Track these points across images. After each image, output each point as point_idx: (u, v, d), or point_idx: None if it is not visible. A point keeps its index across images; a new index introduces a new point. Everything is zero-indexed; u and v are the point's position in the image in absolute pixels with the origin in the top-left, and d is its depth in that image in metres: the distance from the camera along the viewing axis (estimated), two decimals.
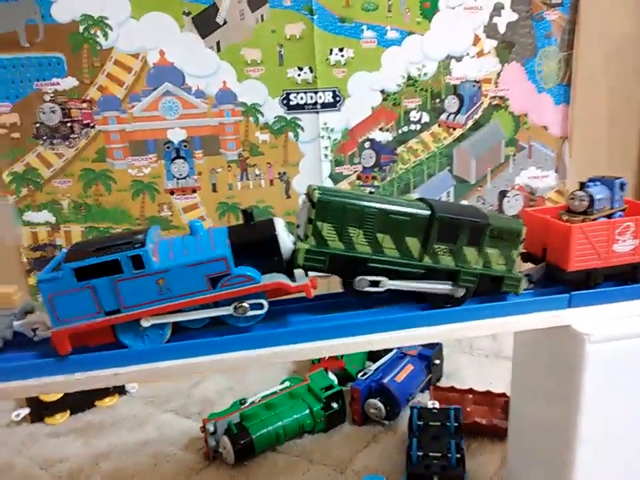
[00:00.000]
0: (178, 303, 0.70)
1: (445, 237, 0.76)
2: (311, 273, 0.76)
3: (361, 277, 0.75)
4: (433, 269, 0.77)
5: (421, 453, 1.11)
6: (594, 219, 0.82)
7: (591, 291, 0.82)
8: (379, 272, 0.75)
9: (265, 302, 0.72)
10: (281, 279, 0.72)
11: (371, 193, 0.75)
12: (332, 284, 0.81)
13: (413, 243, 0.76)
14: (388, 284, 0.76)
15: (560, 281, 0.83)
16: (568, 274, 0.81)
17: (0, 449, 1.35)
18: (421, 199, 0.80)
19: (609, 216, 0.84)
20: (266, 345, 0.74)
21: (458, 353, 1.68)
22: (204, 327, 0.74)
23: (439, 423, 1.20)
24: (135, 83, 1.51)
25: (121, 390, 1.56)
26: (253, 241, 0.73)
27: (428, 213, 0.75)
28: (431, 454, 1.10)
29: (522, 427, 1.01)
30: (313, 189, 0.72)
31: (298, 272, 0.75)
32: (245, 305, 0.72)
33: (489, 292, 0.80)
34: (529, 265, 0.89)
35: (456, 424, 1.19)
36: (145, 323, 0.70)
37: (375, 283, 0.75)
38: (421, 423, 1.21)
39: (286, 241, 0.73)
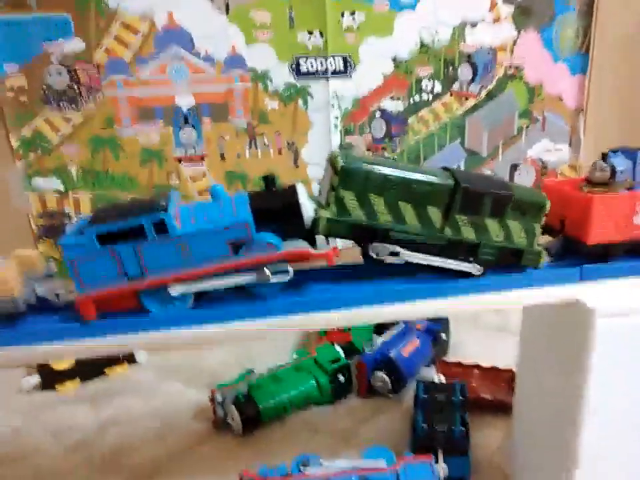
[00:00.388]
0: (200, 269, 0.69)
1: (468, 208, 0.74)
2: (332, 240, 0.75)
3: (377, 244, 0.73)
4: (454, 240, 0.76)
5: (425, 426, 1.12)
6: (615, 190, 0.80)
7: (602, 265, 0.80)
8: (400, 242, 0.74)
9: (289, 269, 0.71)
10: (303, 245, 0.72)
11: (393, 159, 0.73)
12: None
13: (435, 214, 0.75)
14: (406, 255, 0.75)
15: (579, 254, 0.81)
16: (587, 247, 0.79)
17: (10, 416, 1.37)
18: (444, 168, 0.78)
19: (630, 188, 0.82)
20: (289, 313, 0.73)
21: (464, 327, 1.68)
22: (226, 293, 0.73)
23: (444, 397, 1.20)
24: (142, 46, 1.47)
25: (131, 359, 1.57)
26: (274, 207, 0.72)
27: (451, 183, 0.74)
28: (435, 427, 1.11)
29: (527, 401, 1.01)
30: (336, 155, 0.70)
31: (320, 239, 0.75)
32: (267, 271, 0.71)
33: (509, 265, 0.79)
34: (546, 238, 0.87)
35: (461, 398, 1.20)
36: (173, 292, 0.70)
37: (394, 254, 0.74)
38: (426, 396, 1.21)
39: (307, 208, 0.72)
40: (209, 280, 0.71)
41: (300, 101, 1.59)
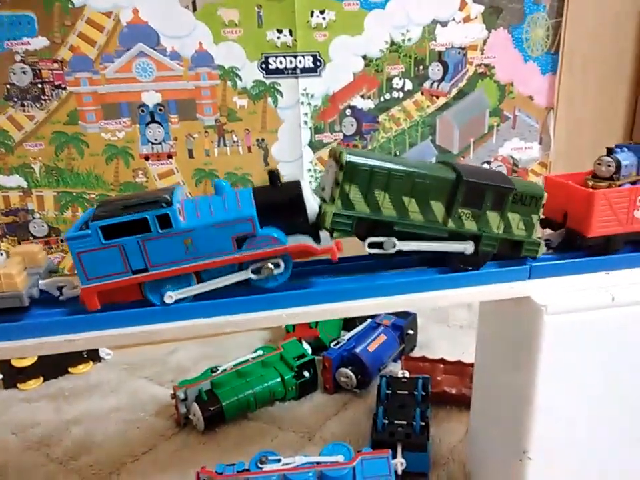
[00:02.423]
0: (204, 263, 0.70)
1: (470, 201, 0.76)
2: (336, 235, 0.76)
3: (381, 238, 0.74)
4: (456, 232, 0.77)
5: (386, 421, 1.12)
6: (620, 185, 0.82)
7: (551, 262, 0.81)
8: (404, 236, 0.75)
9: (290, 263, 0.72)
10: (306, 240, 0.72)
11: (395, 154, 0.76)
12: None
13: (438, 207, 0.76)
14: (403, 245, 0.75)
15: (580, 247, 0.83)
16: (588, 239, 0.81)
17: None
18: (444, 162, 0.80)
19: (635, 182, 0.84)
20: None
21: (433, 323, 1.68)
22: (228, 286, 0.74)
23: (406, 392, 1.21)
24: (107, 42, 1.46)
25: (95, 356, 1.56)
26: (278, 202, 0.72)
27: (454, 176, 0.75)
28: (396, 422, 1.12)
29: (484, 395, 1.02)
30: (340, 151, 0.71)
31: (323, 234, 0.75)
32: (270, 265, 0.72)
33: (508, 256, 0.81)
34: (548, 231, 0.89)
35: (423, 393, 1.20)
36: (169, 300, 0.71)
37: (380, 245, 0.75)
38: (389, 391, 1.22)
39: (311, 203, 0.72)
40: (210, 280, 0.72)
41: (269, 99, 1.59)
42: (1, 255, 0.73)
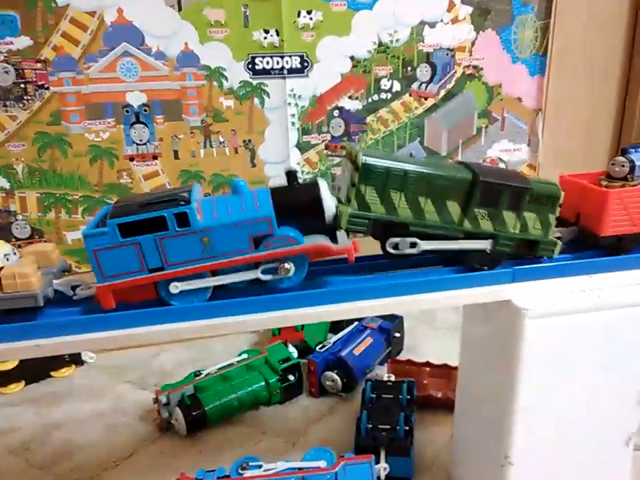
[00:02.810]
0: (221, 262, 0.69)
1: (486, 201, 0.76)
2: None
3: (397, 238, 0.74)
4: (472, 233, 0.77)
5: (370, 425, 1.11)
6: (634, 185, 0.82)
7: (535, 266, 0.80)
8: (420, 236, 0.75)
9: (306, 263, 0.72)
10: (324, 241, 0.72)
11: (410, 155, 0.77)
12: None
13: (454, 207, 0.76)
14: (423, 244, 0.75)
15: (593, 246, 0.83)
16: (601, 239, 0.81)
17: None
18: (460, 162, 0.80)
19: None
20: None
21: (421, 325, 1.67)
22: (244, 287, 0.74)
23: (391, 396, 1.20)
24: (91, 42, 1.44)
25: (77, 360, 1.54)
26: (296, 203, 0.72)
27: (470, 176, 0.75)
28: (379, 426, 1.10)
29: (468, 399, 1.01)
30: (357, 151, 0.71)
31: (340, 234, 0.75)
32: (287, 265, 0.71)
33: (525, 256, 0.80)
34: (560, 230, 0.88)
35: (408, 397, 1.19)
36: (174, 290, 0.70)
37: (412, 246, 0.75)
38: (374, 395, 1.20)
39: (329, 203, 0.72)
40: (227, 275, 0.71)
41: (256, 100, 1.58)
42: (14, 254, 0.72)
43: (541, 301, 0.77)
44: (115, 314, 0.70)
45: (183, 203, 0.67)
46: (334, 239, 0.74)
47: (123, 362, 1.54)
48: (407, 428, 1.10)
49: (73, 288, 0.75)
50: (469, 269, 0.78)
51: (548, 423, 0.84)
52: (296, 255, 0.71)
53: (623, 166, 0.83)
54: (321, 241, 0.71)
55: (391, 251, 0.75)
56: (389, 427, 1.10)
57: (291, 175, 0.73)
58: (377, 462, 1.04)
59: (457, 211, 0.76)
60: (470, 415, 1.00)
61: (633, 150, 0.85)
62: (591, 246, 0.83)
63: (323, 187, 0.72)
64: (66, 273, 0.77)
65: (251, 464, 1.00)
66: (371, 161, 0.71)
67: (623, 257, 0.82)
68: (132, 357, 1.55)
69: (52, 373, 1.50)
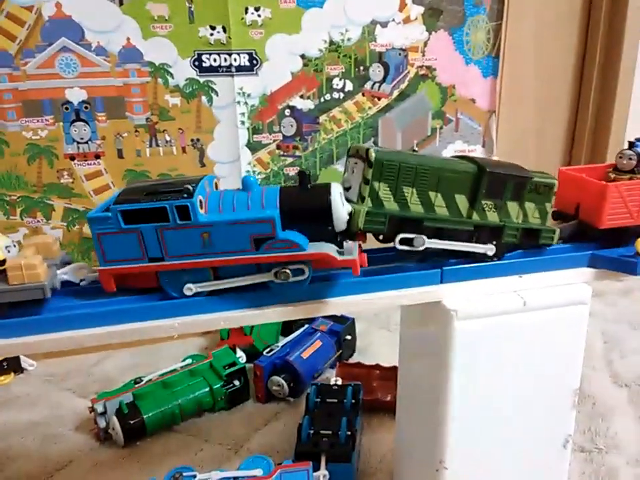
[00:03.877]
0: (219, 260, 0.68)
1: (493, 192, 0.76)
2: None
3: (412, 235, 0.73)
4: (480, 225, 0.77)
5: (312, 431, 1.08)
6: None
7: (464, 266, 0.78)
8: (432, 231, 0.75)
9: (309, 270, 0.70)
10: (328, 249, 0.69)
11: (414, 151, 0.76)
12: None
13: (461, 200, 0.76)
14: (428, 242, 0.74)
15: (591, 239, 0.84)
16: (599, 231, 0.81)
17: None
18: (461, 156, 0.81)
19: None
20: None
21: (374, 328, 1.66)
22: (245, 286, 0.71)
23: (335, 400, 1.17)
24: (28, 37, 1.38)
25: (17, 367, 1.47)
26: (304, 206, 0.69)
27: (476, 169, 0.75)
28: (321, 432, 1.07)
29: (406, 401, 0.99)
30: (367, 148, 0.70)
31: (347, 245, 0.72)
32: (288, 271, 0.69)
33: (527, 246, 0.81)
34: (558, 223, 0.89)
35: (353, 401, 1.17)
36: (188, 292, 0.69)
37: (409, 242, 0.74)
38: (318, 400, 1.18)
39: (340, 209, 0.69)
40: (226, 278, 0.70)
41: (204, 98, 1.54)
42: (14, 246, 0.70)
43: (470, 302, 0.76)
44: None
45: (186, 195, 0.65)
46: (342, 249, 0.72)
47: (64, 369, 1.48)
48: (349, 433, 1.07)
49: (82, 279, 0.75)
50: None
51: (482, 427, 0.82)
52: (299, 261, 0.69)
53: (631, 159, 0.84)
54: (326, 249, 0.69)
55: (402, 247, 0.74)
56: (330, 432, 1.07)
57: (303, 175, 0.70)
58: (318, 469, 1.02)
59: (465, 204, 0.76)
60: (409, 419, 0.98)
61: None
62: (589, 238, 0.84)
63: (336, 191, 0.69)
64: (67, 265, 0.75)
65: (185, 474, 0.96)
66: (383, 156, 0.70)
67: (553, 257, 0.81)
68: (74, 363, 1.49)
69: None
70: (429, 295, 0.77)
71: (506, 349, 0.78)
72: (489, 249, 0.78)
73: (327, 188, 0.69)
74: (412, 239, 0.73)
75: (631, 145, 0.86)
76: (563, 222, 0.88)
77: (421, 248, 0.74)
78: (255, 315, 0.72)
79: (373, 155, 0.69)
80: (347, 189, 0.75)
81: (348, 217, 0.70)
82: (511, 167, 0.79)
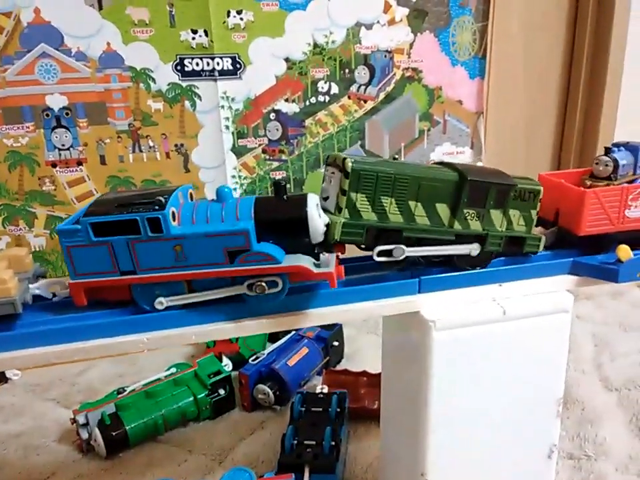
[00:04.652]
0: (193, 273, 0.66)
1: (475, 201, 0.75)
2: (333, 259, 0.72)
3: (391, 246, 0.72)
4: (462, 234, 0.75)
5: (295, 442, 1.06)
6: (618, 184, 0.81)
7: (441, 275, 0.77)
8: (410, 241, 0.73)
9: (286, 283, 0.68)
10: (304, 262, 0.67)
11: (394, 159, 0.75)
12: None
13: (443, 210, 0.74)
14: (408, 251, 0.73)
15: (571, 245, 0.83)
16: (579, 238, 0.80)
17: None
18: (441, 163, 0.79)
19: (632, 182, 0.84)
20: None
21: (363, 333, 1.64)
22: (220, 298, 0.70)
23: (321, 409, 1.15)
24: (7, 44, 1.36)
25: (1, 377, 1.45)
26: (280, 218, 0.68)
27: (457, 177, 0.74)
28: (305, 442, 1.06)
29: (389, 411, 0.97)
30: (343, 157, 0.68)
31: (324, 257, 0.71)
32: (263, 284, 0.67)
33: (511, 254, 0.80)
34: (540, 230, 0.88)
35: (338, 409, 1.15)
36: (159, 306, 0.68)
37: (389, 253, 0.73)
38: (303, 409, 1.16)
39: (316, 221, 0.67)
40: (201, 290, 0.69)
41: (187, 102, 1.52)
42: None
43: (449, 312, 0.74)
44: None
45: (157, 207, 0.64)
46: (318, 261, 0.70)
47: (48, 378, 1.46)
48: (333, 443, 1.06)
49: (54, 293, 0.73)
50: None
51: (464, 438, 0.81)
52: (274, 274, 0.67)
53: (607, 165, 0.83)
54: (302, 262, 0.67)
55: (381, 259, 0.72)
56: (314, 442, 1.06)
57: (279, 186, 0.68)
58: None
59: (447, 213, 0.75)
60: (392, 428, 0.97)
61: (616, 149, 0.85)
62: (570, 245, 0.83)
63: (312, 203, 0.67)
64: (41, 279, 0.74)
65: None
66: (359, 166, 0.68)
67: (533, 265, 0.80)
68: (58, 372, 1.47)
69: None
70: (407, 305, 0.75)
71: (486, 359, 0.77)
72: (473, 249, 0.77)
73: (303, 199, 0.68)
74: (391, 250, 0.72)
75: (607, 151, 0.84)
76: (543, 228, 0.86)
77: (401, 257, 0.73)
78: (230, 328, 0.71)
79: (349, 164, 0.68)
80: (324, 199, 0.73)
81: (325, 229, 0.69)
82: (493, 174, 0.78)
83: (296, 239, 0.68)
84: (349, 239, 0.70)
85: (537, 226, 0.84)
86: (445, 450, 0.81)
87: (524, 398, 0.82)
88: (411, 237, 0.73)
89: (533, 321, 0.77)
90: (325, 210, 0.71)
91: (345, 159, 0.69)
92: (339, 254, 0.74)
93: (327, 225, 0.69)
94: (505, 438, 0.84)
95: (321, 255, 0.71)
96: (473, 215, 0.76)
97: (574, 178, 0.86)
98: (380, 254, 0.72)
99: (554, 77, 1.92)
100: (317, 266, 0.69)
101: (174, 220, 0.65)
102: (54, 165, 1.46)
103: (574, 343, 0.82)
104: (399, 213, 0.72)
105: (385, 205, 0.71)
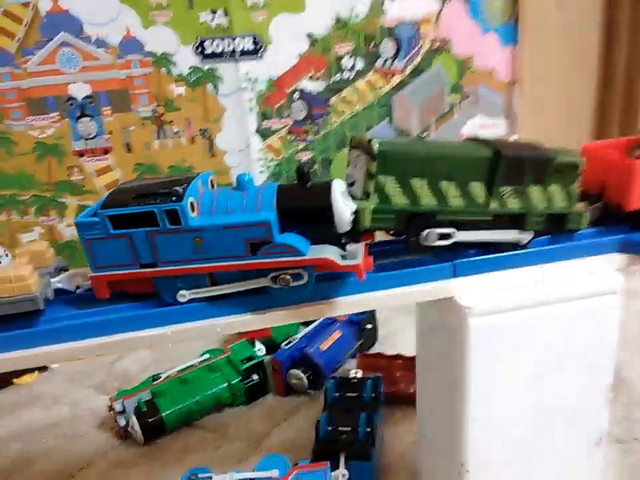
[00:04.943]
0: (214, 266, 0.64)
1: (511, 177, 0.69)
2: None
3: (428, 231, 0.68)
4: (499, 214, 0.71)
5: (330, 428, 1.05)
6: None
7: (478, 258, 0.72)
8: (447, 224, 0.69)
9: (311, 276, 0.65)
10: (330, 254, 0.64)
11: (420, 137, 0.71)
12: None
13: (478, 189, 0.69)
14: (458, 235, 0.70)
15: (618, 221, 0.77)
16: (628, 213, 0.75)
17: None
18: (473, 139, 0.74)
19: None
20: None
21: (397, 315, 1.61)
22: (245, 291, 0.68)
23: (355, 394, 1.13)
24: (27, 35, 1.36)
25: (41, 366, 1.49)
26: (303, 207, 0.64)
27: (491, 153, 0.68)
28: (340, 428, 1.04)
29: (425, 397, 0.94)
30: (369, 139, 0.64)
31: (351, 248, 0.67)
32: (287, 276, 0.64)
33: (553, 232, 0.75)
34: (583, 205, 0.81)
35: (372, 394, 1.13)
36: (182, 299, 0.66)
37: (443, 237, 0.69)
38: (337, 394, 1.14)
39: (342, 209, 0.63)
40: (224, 283, 0.66)
41: (209, 85, 1.49)
42: (6, 256, 0.68)
43: (486, 297, 0.70)
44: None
45: (175, 198, 0.61)
46: (345, 251, 0.67)
47: (85, 367, 1.48)
48: (369, 429, 1.03)
49: (78, 286, 0.72)
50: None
51: (505, 428, 0.77)
52: (299, 266, 0.64)
53: None
54: (327, 253, 0.63)
55: (423, 243, 0.68)
56: (349, 429, 1.04)
57: (302, 173, 0.64)
58: (336, 467, 0.99)
59: (482, 192, 0.70)
60: (429, 415, 0.94)
61: None
62: (616, 220, 0.77)
63: (337, 190, 0.64)
64: (63, 272, 0.73)
65: (200, 475, 0.94)
66: (386, 147, 0.64)
67: (577, 244, 0.75)
68: (95, 360, 1.49)
69: (14, 380, 1.45)
70: (441, 290, 0.71)
71: (528, 346, 0.73)
72: (524, 237, 0.72)
73: (327, 186, 0.64)
74: (448, 234, 0.68)
75: None
76: (587, 203, 0.81)
77: (446, 243, 0.69)
78: (255, 319, 0.68)
79: (375, 146, 0.63)
80: (350, 184, 0.69)
81: (352, 217, 0.65)
82: (530, 148, 0.72)
83: (321, 229, 0.65)
84: (378, 226, 0.67)
85: (581, 201, 0.78)
86: (486, 440, 0.77)
87: (570, 386, 0.77)
88: (444, 221, 0.69)
89: (579, 304, 0.72)
90: (352, 196, 0.67)
91: (370, 140, 0.64)
92: (368, 242, 0.70)
93: (355, 213, 0.65)
94: (550, 428, 0.79)
95: (348, 245, 0.67)
96: (510, 193, 0.70)
97: (621, 147, 0.80)
98: (432, 238, 0.68)
99: (592, 41, 1.81)
100: (344, 257, 0.65)
101: (193, 211, 0.63)
102: (81, 155, 1.46)
103: (619, 320, 0.76)
104: (431, 194, 0.68)
105: (415, 187, 0.67)
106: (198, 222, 0.63)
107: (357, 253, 0.65)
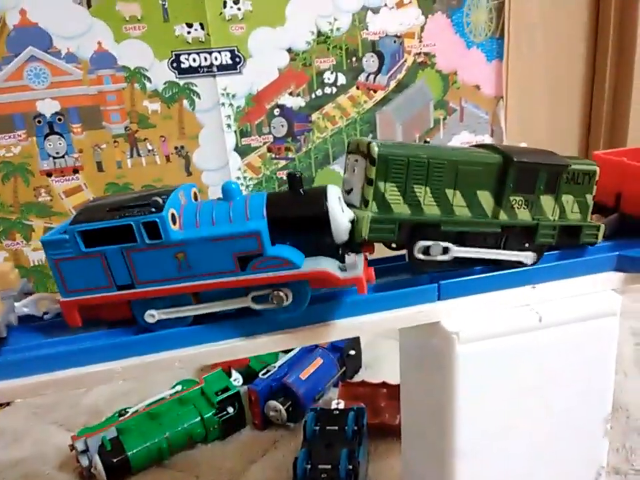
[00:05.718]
0: (199, 284, 0.57)
1: (522, 186, 0.65)
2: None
3: (427, 242, 0.62)
4: (509, 225, 0.65)
5: (309, 466, 0.96)
6: None
7: (464, 279, 0.66)
8: (452, 236, 0.64)
9: (307, 292, 0.59)
10: (327, 266, 0.57)
11: (425, 142, 0.64)
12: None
13: (485, 198, 0.64)
14: (456, 251, 0.64)
15: (636, 232, 0.72)
16: None
17: None
18: (481, 145, 0.69)
19: None
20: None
21: (381, 338, 1.53)
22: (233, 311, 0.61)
23: (336, 428, 1.05)
24: None
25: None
26: (296, 215, 0.58)
27: (501, 159, 0.63)
28: (319, 466, 0.96)
29: (411, 431, 0.87)
30: (368, 142, 0.59)
31: (350, 259, 0.61)
32: (281, 294, 0.58)
33: (566, 245, 0.70)
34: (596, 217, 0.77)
35: (355, 427, 1.05)
36: (150, 319, 0.59)
37: (445, 251, 0.64)
38: (317, 428, 1.06)
39: (339, 217, 0.58)
40: (212, 303, 0.59)
41: (185, 101, 1.44)
42: None
43: (475, 321, 0.64)
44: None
45: (154, 209, 0.55)
46: (344, 263, 0.60)
47: (51, 400, 1.38)
48: (351, 467, 0.95)
49: (45, 312, 0.65)
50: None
51: (497, 464, 0.70)
52: (292, 282, 0.57)
53: None
54: (325, 266, 0.57)
55: (421, 257, 0.63)
56: (329, 466, 0.95)
57: (293, 178, 0.59)
58: None
59: (490, 202, 0.65)
60: (414, 449, 0.86)
61: None
62: (633, 232, 0.72)
63: (333, 196, 0.58)
64: (28, 296, 0.66)
65: None
66: (387, 150, 0.59)
67: (571, 262, 0.68)
68: (61, 393, 1.40)
69: None
70: (424, 315, 0.65)
71: (520, 374, 0.66)
72: (528, 257, 0.67)
73: (322, 192, 0.58)
74: (429, 247, 0.62)
75: None
76: (601, 215, 0.75)
77: (446, 257, 0.63)
78: (243, 346, 0.61)
79: (375, 149, 0.58)
80: (348, 192, 0.64)
81: (350, 226, 0.59)
82: (542, 154, 0.67)
83: (316, 239, 0.58)
84: (378, 236, 0.60)
85: (594, 213, 0.72)
86: (475, 475, 0.70)
87: (565, 416, 0.70)
88: (450, 232, 0.63)
89: (574, 327, 0.66)
90: (349, 204, 0.61)
91: (369, 143, 0.59)
92: (367, 254, 0.64)
93: (352, 222, 0.59)
94: (545, 461, 0.72)
95: (346, 256, 0.61)
96: (520, 203, 0.65)
97: (637, 156, 0.74)
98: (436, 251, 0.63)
99: (578, 55, 1.78)
100: (343, 270, 0.59)
101: (174, 224, 0.56)
102: (49, 174, 1.39)
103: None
104: (435, 203, 0.62)
105: (418, 195, 0.61)
106: (180, 235, 0.56)
107: (357, 264, 0.59)
